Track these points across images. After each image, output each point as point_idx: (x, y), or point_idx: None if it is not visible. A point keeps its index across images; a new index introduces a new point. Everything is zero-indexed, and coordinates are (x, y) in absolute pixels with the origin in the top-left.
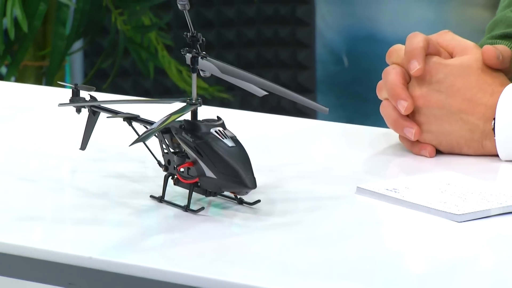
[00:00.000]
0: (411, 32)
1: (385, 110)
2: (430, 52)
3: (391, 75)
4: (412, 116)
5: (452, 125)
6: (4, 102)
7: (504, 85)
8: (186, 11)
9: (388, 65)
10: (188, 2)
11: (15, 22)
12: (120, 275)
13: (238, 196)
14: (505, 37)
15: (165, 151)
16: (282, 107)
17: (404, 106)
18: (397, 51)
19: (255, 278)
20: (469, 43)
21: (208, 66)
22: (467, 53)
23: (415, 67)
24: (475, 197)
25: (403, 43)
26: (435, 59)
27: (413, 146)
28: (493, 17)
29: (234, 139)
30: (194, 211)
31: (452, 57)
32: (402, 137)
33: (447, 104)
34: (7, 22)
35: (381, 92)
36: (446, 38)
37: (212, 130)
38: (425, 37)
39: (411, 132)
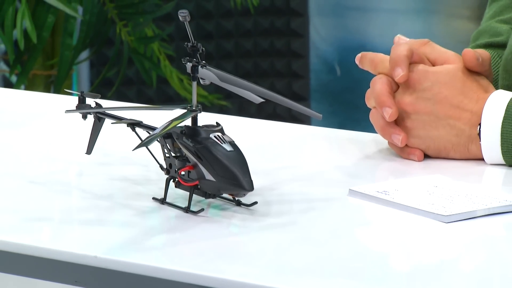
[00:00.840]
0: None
1: (373, 117)
2: (414, 60)
3: (378, 84)
4: (401, 122)
5: (439, 130)
6: (15, 109)
7: (489, 92)
8: (187, 22)
9: (365, 71)
10: (189, 14)
11: (25, 33)
12: (124, 273)
13: (236, 198)
14: (489, 46)
15: (167, 155)
16: (277, 113)
17: (388, 113)
18: (383, 61)
19: (252, 276)
20: (450, 54)
21: (208, 74)
22: (449, 63)
23: (399, 73)
24: (462, 199)
25: None
26: (422, 67)
27: (402, 150)
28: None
29: (232, 143)
30: (194, 212)
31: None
32: (391, 143)
33: (434, 110)
34: (17, 33)
35: (370, 100)
36: (426, 51)
37: (212, 135)
38: (408, 46)
39: (398, 138)
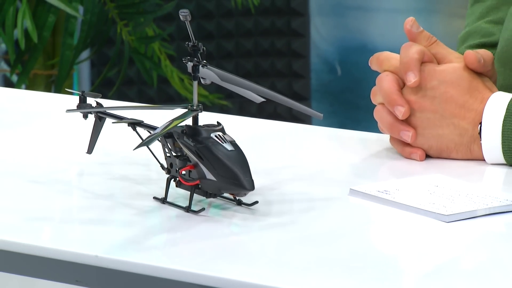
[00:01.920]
0: (404, 43)
1: (380, 114)
2: (425, 60)
3: (386, 82)
4: (405, 119)
5: (443, 129)
6: (16, 108)
7: (493, 92)
8: (188, 22)
9: (374, 71)
10: (189, 14)
11: (26, 33)
12: (125, 273)
13: (237, 198)
14: (482, 46)
15: (168, 154)
16: (278, 113)
17: (401, 111)
18: (388, 59)
19: (253, 275)
20: (455, 56)
21: (209, 74)
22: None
23: (412, 79)
24: (463, 199)
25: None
26: (430, 66)
27: (403, 150)
28: None
29: (233, 143)
30: (195, 212)
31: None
32: (393, 140)
33: (440, 109)
34: (18, 33)
35: (375, 97)
36: (432, 50)
37: (212, 135)
38: (420, 48)
39: (408, 135)
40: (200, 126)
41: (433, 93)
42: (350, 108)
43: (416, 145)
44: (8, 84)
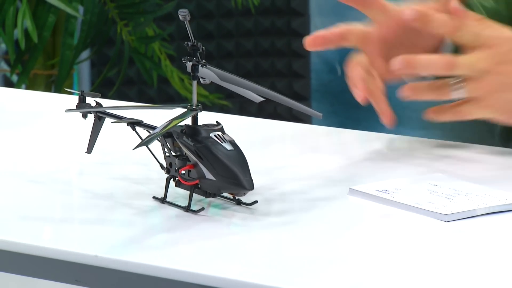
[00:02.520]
0: None
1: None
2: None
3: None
4: (477, 80)
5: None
6: (16, 108)
7: None
8: (187, 22)
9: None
10: (189, 13)
11: (26, 33)
12: (124, 273)
13: (237, 197)
14: None
15: (167, 154)
16: (278, 113)
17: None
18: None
19: (253, 275)
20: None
21: (208, 73)
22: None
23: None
24: (462, 198)
25: None
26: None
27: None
28: None
29: (232, 143)
30: (195, 212)
31: None
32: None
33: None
34: (18, 33)
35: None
36: (486, 33)
37: (212, 135)
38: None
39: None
40: (199, 125)
41: (506, 57)
42: (350, 108)
43: (485, 106)
44: (8, 84)
